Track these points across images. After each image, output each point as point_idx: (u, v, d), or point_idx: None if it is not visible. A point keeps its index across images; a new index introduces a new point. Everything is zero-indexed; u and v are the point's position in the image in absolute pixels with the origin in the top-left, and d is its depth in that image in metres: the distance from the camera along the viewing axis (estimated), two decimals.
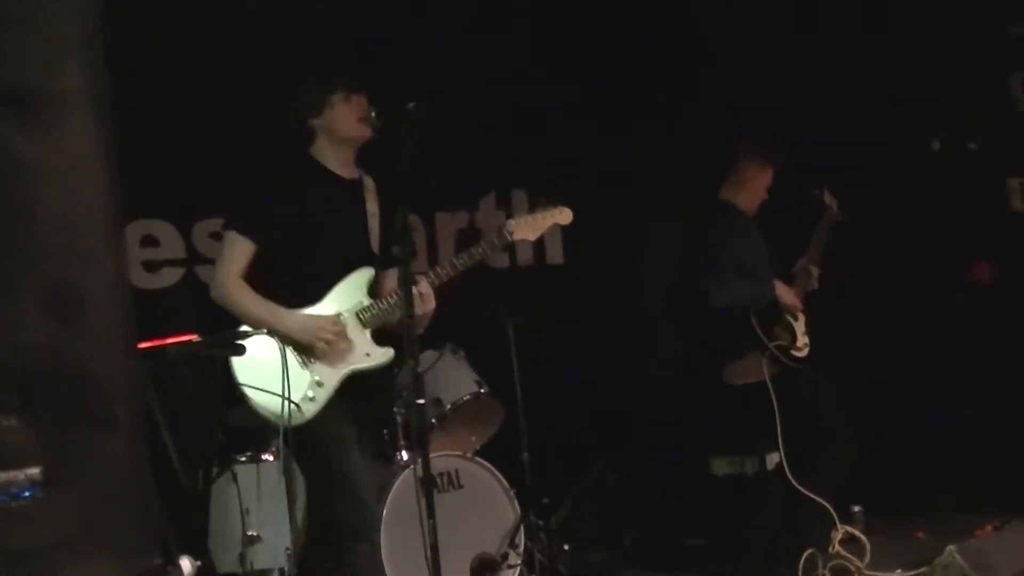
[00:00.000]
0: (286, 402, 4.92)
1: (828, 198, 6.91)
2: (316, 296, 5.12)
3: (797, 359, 6.72)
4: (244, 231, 5.08)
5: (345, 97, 5.13)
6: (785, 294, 6.76)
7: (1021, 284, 7.47)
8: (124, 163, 3.65)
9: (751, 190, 6.82)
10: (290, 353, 5.02)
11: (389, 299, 5.14)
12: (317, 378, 5.07)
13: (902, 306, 7.72)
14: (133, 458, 3.29)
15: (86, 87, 3.30)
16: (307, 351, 5.07)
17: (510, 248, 5.47)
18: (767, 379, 6.55)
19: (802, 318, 6.83)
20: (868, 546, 6.41)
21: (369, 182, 5.33)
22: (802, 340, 6.79)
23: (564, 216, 5.39)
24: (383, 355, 5.18)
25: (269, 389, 4.95)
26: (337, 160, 5.23)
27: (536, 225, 5.34)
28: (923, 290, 7.86)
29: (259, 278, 5.09)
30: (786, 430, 6.50)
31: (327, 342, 5.05)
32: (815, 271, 6.86)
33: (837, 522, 6.44)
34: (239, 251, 5.10)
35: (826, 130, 7.37)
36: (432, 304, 5.16)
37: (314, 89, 5.19)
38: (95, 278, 3.23)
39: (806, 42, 7.87)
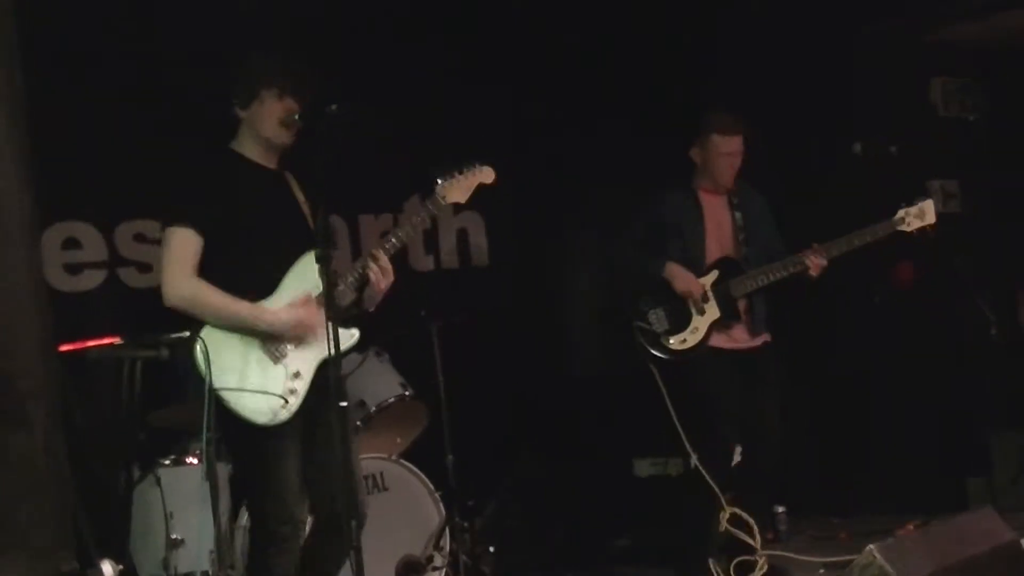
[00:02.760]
0: (268, 398, 4.86)
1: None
2: (269, 288, 4.97)
3: (666, 349, 6.57)
4: (189, 223, 4.87)
5: (278, 95, 5.04)
6: (679, 279, 6.57)
7: (941, 287, 7.55)
8: (46, 165, 3.63)
9: (703, 161, 6.71)
10: (260, 349, 4.92)
11: (346, 280, 5.06)
12: (294, 370, 4.94)
13: (824, 308, 7.78)
14: (49, 457, 3.27)
15: None
16: (276, 344, 4.95)
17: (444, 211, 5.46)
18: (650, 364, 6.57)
19: (711, 311, 6.58)
20: (755, 526, 6.41)
21: (289, 176, 5.26)
22: (692, 336, 6.57)
23: (487, 175, 5.31)
24: (350, 337, 5.04)
25: (250, 388, 4.83)
26: (258, 153, 5.10)
27: (463, 186, 5.26)
28: (845, 292, 7.93)
29: (205, 276, 4.88)
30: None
31: (315, 328, 4.91)
32: (816, 260, 6.51)
33: (723, 503, 6.42)
34: (187, 246, 4.87)
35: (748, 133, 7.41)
36: (392, 277, 5.09)
37: (249, 78, 5.10)
38: (9, 278, 3.21)
39: (729, 45, 7.93)
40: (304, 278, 5.02)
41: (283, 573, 5.02)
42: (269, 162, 5.14)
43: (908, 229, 6.52)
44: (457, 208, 5.60)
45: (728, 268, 6.64)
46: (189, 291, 4.88)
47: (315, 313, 4.94)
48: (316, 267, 4.97)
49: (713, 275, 6.62)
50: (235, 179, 5.05)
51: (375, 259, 5.06)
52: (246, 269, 4.97)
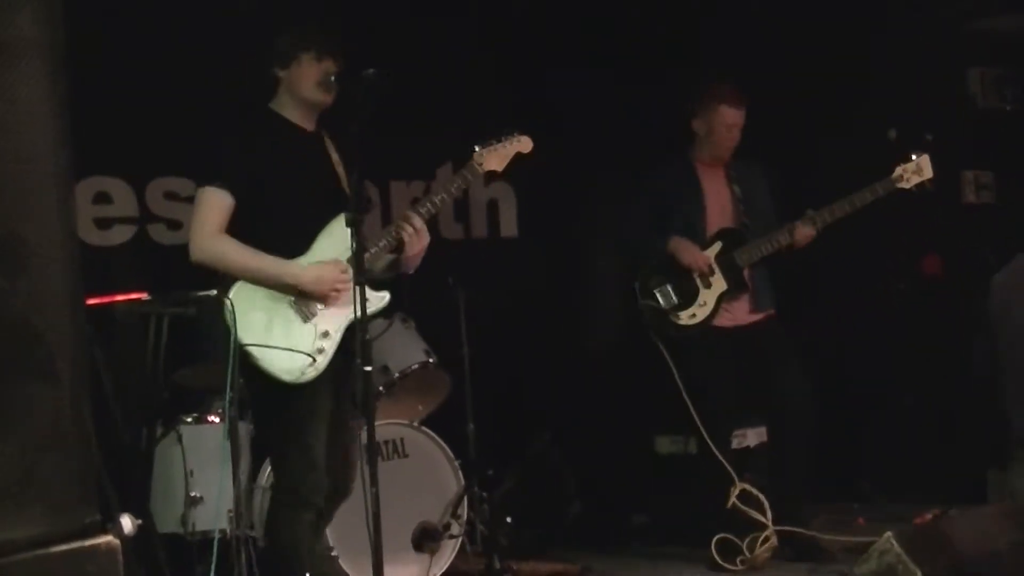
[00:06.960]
0: (295, 356, 4.90)
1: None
2: (302, 247, 5.03)
3: (676, 326, 6.59)
4: (221, 184, 4.95)
5: (316, 57, 5.08)
6: (684, 252, 6.57)
7: (969, 276, 7.52)
8: (79, 118, 3.62)
9: (707, 133, 6.70)
10: (290, 307, 4.96)
11: (378, 243, 5.08)
12: (324, 329, 4.99)
13: (851, 296, 7.76)
14: (75, 413, 3.27)
15: (40, 37, 3.27)
16: (307, 303, 4.99)
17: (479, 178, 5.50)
18: (657, 342, 6.56)
19: (718, 284, 6.57)
20: (766, 503, 6.40)
21: (327, 137, 5.27)
22: (701, 310, 6.57)
23: (525, 144, 5.37)
24: (380, 299, 5.12)
25: (277, 346, 4.87)
26: (297, 114, 5.16)
27: (501, 154, 5.32)
28: (872, 280, 7.90)
29: (238, 234, 4.96)
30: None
31: (339, 290, 4.97)
32: (803, 230, 6.50)
33: (736, 479, 6.39)
34: (217, 206, 4.95)
35: (783, 118, 7.38)
36: (427, 238, 5.14)
37: (289, 40, 5.15)
38: (42, 232, 3.21)
39: (765, 29, 7.89)
40: (336, 239, 5.03)
41: (302, 534, 5.06)
42: (307, 123, 5.19)
43: (907, 186, 6.42)
44: (488, 179, 5.63)
45: (731, 238, 6.63)
46: (213, 248, 4.96)
47: (338, 272, 4.99)
48: (348, 229, 5.02)
49: (716, 246, 6.61)
50: (271, 138, 5.11)
51: (409, 220, 5.09)
52: (279, 228, 5.02)
